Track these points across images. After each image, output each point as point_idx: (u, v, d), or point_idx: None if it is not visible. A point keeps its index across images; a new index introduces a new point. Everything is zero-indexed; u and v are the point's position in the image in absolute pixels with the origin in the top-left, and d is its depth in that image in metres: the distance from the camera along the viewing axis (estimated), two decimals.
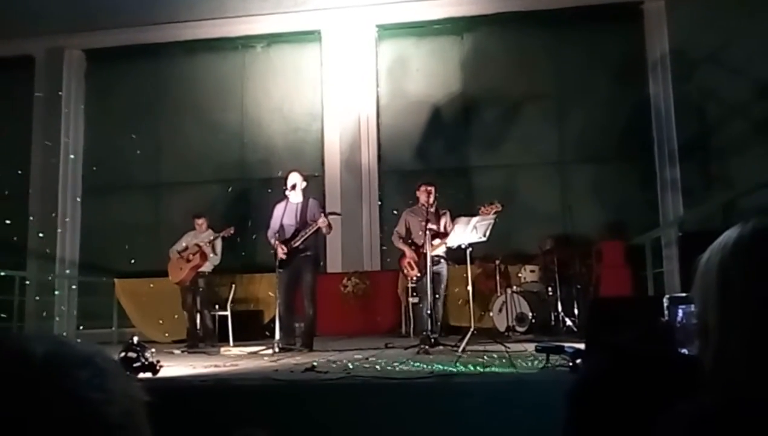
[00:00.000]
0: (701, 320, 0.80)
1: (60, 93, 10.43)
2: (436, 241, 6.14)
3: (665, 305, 2.00)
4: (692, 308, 1.79)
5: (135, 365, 4.07)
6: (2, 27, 9.95)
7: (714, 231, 0.84)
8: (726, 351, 0.76)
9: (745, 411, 0.71)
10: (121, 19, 9.95)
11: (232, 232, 7.59)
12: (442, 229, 6.29)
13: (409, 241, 6.46)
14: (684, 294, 1.86)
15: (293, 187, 6.46)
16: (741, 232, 0.78)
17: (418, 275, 6.33)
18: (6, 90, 10.60)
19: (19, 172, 10.23)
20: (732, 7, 8.66)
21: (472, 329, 5.55)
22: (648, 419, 0.80)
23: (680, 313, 1.92)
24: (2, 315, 8.21)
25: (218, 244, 7.79)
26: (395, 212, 8.75)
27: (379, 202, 9.67)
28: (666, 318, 1.98)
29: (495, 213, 5.93)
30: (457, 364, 4.26)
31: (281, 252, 6.25)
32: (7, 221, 9.96)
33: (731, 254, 0.77)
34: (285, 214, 6.43)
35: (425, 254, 6.02)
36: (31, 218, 10.18)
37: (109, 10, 9.90)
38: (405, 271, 6.52)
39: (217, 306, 7.89)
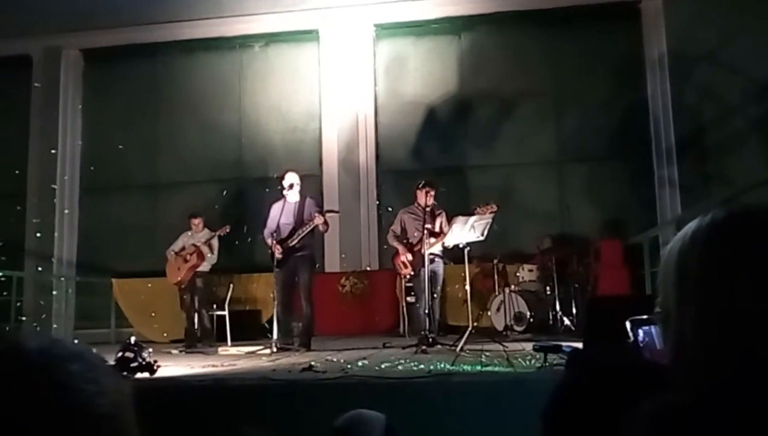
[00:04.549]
0: (663, 307, 0.84)
1: (57, 92, 10.41)
2: (432, 239, 6.14)
3: (628, 327, 2.07)
4: (652, 328, 1.83)
5: (132, 365, 4.03)
6: None
7: None
8: (682, 337, 0.79)
9: (706, 405, 0.72)
10: (118, 18, 9.95)
11: (227, 230, 7.62)
12: (437, 228, 6.30)
13: (405, 240, 6.47)
14: (644, 317, 1.95)
15: (290, 186, 6.45)
16: (700, 222, 0.82)
17: (412, 273, 6.36)
18: (3, 89, 10.58)
19: (17, 171, 10.21)
20: (729, 6, 8.65)
21: (470, 329, 5.54)
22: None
23: (641, 334, 1.99)
24: None
25: (215, 243, 7.79)
26: (390, 209, 8.75)
27: (377, 202, 9.66)
28: (631, 339, 2.05)
29: (491, 214, 5.93)
30: (455, 363, 4.25)
31: (278, 252, 6.25)
32: (5, 221, 9.95)
33: (690, 243, 0.81)
34: (282, 213, 6.42)
35: (420, 253, 6.02)
36: (29, 218, 10.16)
37: (107, 10, 9.91)
38: (399, 269, 6.53)
39: (215, 306, 7.88)
